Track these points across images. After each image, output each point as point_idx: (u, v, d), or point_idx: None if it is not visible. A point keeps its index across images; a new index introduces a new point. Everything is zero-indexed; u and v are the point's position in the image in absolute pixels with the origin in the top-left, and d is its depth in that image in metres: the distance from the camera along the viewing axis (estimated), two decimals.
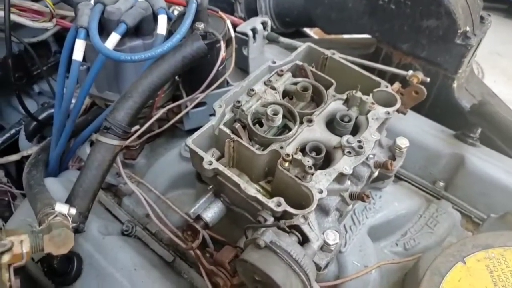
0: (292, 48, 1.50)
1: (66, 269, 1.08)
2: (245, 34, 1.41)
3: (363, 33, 1.68)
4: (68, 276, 1.07)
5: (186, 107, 1.34)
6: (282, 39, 1.46)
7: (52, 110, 1.80)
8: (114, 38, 1.08)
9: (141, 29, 1.17)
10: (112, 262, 1.09)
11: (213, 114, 1.40)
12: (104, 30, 1.12)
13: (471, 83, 1.71)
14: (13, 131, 1.87)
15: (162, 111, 1.29)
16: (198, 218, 0.95)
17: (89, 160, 1.04)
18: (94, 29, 1.05)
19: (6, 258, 0.66)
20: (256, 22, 1.42)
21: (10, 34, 1.32)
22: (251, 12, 1.91)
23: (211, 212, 0.97)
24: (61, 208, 0.87)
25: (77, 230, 0.98)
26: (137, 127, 1.29)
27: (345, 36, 2.04)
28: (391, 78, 1.34)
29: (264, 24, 1.43)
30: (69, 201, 1.02)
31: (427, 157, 1.42)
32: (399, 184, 1.38)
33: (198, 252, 0.91)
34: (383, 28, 1.61)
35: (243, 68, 1.54)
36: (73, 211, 0.89)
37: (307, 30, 2.38)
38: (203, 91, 1.31)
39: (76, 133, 1.37)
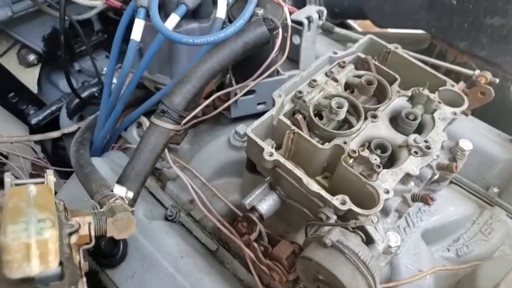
0: (346, 40, 1.45)
1: (112, 251, 1.07)
2: (300, 23, 1.36)
3: (417, 28, 1.62)
4: (113, 258, 1.07)
5: (235, 94, 1.31)
6: (338, 29, 1.41)
7: (94, 89, 1.80)
8: (173, 19, 1.05)
9: (198, 12, 1.13)
10: (158, 247, 1.07)
11: (261, 103, 1.39)
12: (162, 10, 1.09)
13: None
14: (54, 107, 1.87)
15: (213, 97, 1.27)
16: (253, 209, 0.93)
17: (142, 143, 1.02)
18: (155, 9, 1.02)
19: (73, 239, 0.64)
20: (311, 10, 1.37)
21: (64, 12, 1.30)
22: (299, 1, 1.86)
23: (266, 204, 0.94)
24: (120, 190, 0.85)
25: None
26: None
27: (392, 30, 1.97)
28: (448, 74, 1.29)
29: (320, 13, 1.38)
30: (120, 183, 1.00)
31: (482, 161, 1.36)
32: (451, 187, 1.33)
33: (255, 245, 0.88)
34: (440, 24, 1.54)
35: (291, 58, 1.49)
36: (130, 194, 0.87)
37: (350, 22, 2.31)
38: (254, 80, 1.27)
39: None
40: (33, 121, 1.82)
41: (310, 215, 0.89)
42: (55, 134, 1.76)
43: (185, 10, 1.06)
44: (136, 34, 1.05)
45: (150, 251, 1.07)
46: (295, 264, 0.85)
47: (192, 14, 1.14)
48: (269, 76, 1.31)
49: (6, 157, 1.91)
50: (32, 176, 2.05)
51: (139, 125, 1.34)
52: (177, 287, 1.02)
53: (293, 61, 1.52)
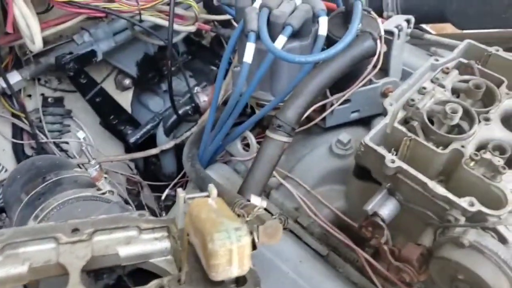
0: (433, 45, 1.47)
1: None
2: (391, 33, 1.40)
3: (505, 27, 1.61)
4: None
5: (332, 105, 1.37)
6: (428, 36, 1.44)
7: (188, 107, 1.93)
8: (281, 40, 1.13)
9: (300, 31, 1.21)
10: (277, 254, 1.14)
11: (355, 111, 1.44)
12: (269, 33, 1.18)
13: None
14: (149, 126, 2.02)
15: (311, 109, 1.33)
16: (375, 215, 0.98)
17: (260, 155, 1.11)
18: (265, 32, 1.11)
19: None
20: (400, 19, 1.41)
21: (172, 38, 1.43)
22: (375, 9, 1.88)
23: (387, 209, 0.99)
24: (257, 201, 0.93)
25: None
26: None
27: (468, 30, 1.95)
28: None
29: (408, 21, 1.42)
30: (242, 191, 1.10)
31: None
32: None
33: (385, 247, 0.93)
34: None
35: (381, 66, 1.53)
36: (264, 204, 0.95)
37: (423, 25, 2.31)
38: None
39: None
40: (132, 140, 1.98)
41: (434, 218, 0.93)
42: (154, 151, 1.91)
43: (291, 30, 1.14)
44: (248, 56, 1.14)
45: (270, 258, 1.14)
46: (424, 265, 0.89)
47: (294, 34, 1.22)
48: (363, 85, 1.36)
49: (106, 174, 2.09)
50: (128, 190, 2.22)
51: (244, 139, 1.43)
52: None
53: (381, 69, 1.56)
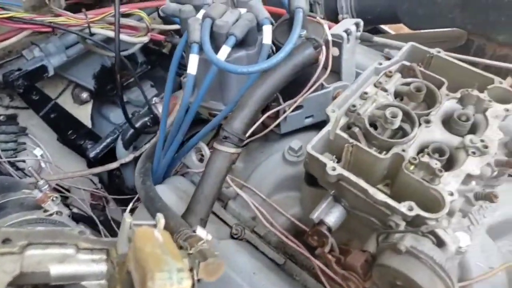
0: (383, 46, 1.48)
1: None
2: (340, 37, 1.41)
3: (453, 26, 1.64)
4: None
5: (284, 111, 1.37)
6: (377, 39, 1.45)
7: (146, 119, 1.90)
8: (225, 51, 1.12)
9: (246, 40, 1.20)
10: (231, 266, 1.13)
11: (309, 116, 1.44)
12: (213, 43, 1.17)
13: None
14: (109, 139, 2.00)
15: (264, 117, 1.33)
16: (321, 223, 0.98)
17: (208, 168, 1.09)
18: (208, 44, 1.10)
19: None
20: (349, 23, 1.42)
21: (119, 50, 1.40)
22: (331, 12, 1.91)
23: (333, 216, 0.98)
24: (202, 233, 0.92)
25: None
26: None
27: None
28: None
29: (357, 25, 1.43)
30: (192, 207, 1.08)
31: None
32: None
33: (329, 256, 0.93)
34: (476, 20, 1.56)
35: (333, 70, 1.54)
36: (210, 237, 0.93)
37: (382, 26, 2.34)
38: (302, 96, 1.33)
39: None
40: (92, 154, 1.95)
41: (377, 223, 0.93)
42: (113, 165, 1.87)
43: (235, 41, 1.13)
44: (192, 68, 1.13)
45: (225, 271, 1.12)
46: (369, 272, 0.89)
47: (239, 43, 1.21)
48: (315, 90, 1.36)
49: (68, 191, 2.05)
50: (92, 206, 2.18)
51: (198, 150, 1.42)
52: None
53: (335, 72, 1.57)
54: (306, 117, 1.44)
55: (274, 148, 1.46)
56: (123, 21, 1.63)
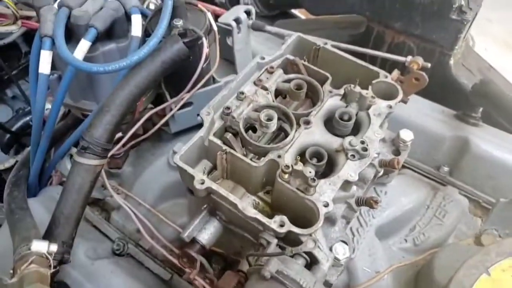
0: (279, 36, 1.39)
1: None
2: (229, 25, 1.30)
3: (352, 12, 1.59)
4: None
5: (171, 109, 1.24)
6: (269, 28, 1.35)
7: (28, 118, 1.69)
8: (84, 45, 0.96)
9: (113, 32, 1.05)
10: None
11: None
12: (73, 36, 1.01)
13: (467, 57, 1.63)
14: None
15: (145, 116, 1.19)
16: (194, 241, 0.87)
17: (68, 183, 0.94)
18: (61, 38, 0.94)
19: None
20: (239, 11, 1.31)
21: None
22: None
23: (207, 233, 0.89)
24: (39, 247, 0.78)
25: (61, 262, 0.90)
26: (119, 134, 1.19)
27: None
28: (385, 60, 1.26)
29: (248, 12, 1.32)
30: (50, 230, 0.93)
31: (429, 141, 1.35)
32: (403, 173, 1.31)
33: (200, 280, 0.83)
34: (373, 6, 1.51)
35: (228, 59, 1.43)
36: (54, 248, 0.80)
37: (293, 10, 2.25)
38: (188, 91, 1.20)
39: (56, 141, 1.27)
40: None
41: (252, 239, 0.85)
42: None
43: (95, 33, 0.98)
44: (44, 67, 0.97)
45: None
46: None
47: (108, 35, 1.06)
48: (205, 84, 1.25)
49: None
50: None
51: (71, 156, 1.25)
52: None
53: (230, 62, 1.46)
54: (198, 114, 1.32)
55: (167, 149, 1.33)
56: None
